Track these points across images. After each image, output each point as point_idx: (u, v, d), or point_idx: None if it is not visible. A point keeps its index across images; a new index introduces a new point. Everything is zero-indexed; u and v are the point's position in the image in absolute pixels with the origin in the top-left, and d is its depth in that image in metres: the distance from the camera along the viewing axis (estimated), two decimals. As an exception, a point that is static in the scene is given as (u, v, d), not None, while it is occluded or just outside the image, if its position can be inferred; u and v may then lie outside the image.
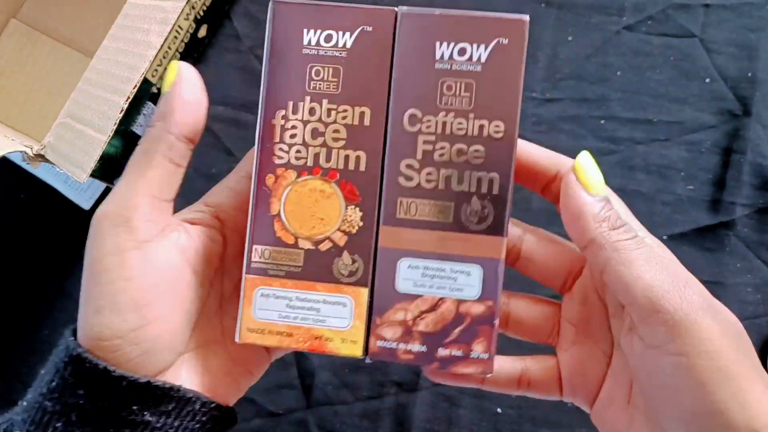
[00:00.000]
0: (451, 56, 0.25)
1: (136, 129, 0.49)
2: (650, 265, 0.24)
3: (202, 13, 0.49)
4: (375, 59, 0.25)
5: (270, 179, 0.26)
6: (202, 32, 0.51)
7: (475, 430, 0.48)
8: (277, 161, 0.26)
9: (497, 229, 0.25)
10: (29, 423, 0.24)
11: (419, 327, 0.25)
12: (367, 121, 0.25)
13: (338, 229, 0.26)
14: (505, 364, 0.29)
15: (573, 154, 0.50)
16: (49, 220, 0.52)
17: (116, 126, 0.40)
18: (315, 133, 0.25)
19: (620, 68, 0.50)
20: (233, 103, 0.52)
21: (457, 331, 0.25)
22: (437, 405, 0.48)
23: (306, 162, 0.26)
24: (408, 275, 0.25)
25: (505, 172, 0.25)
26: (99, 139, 0.40)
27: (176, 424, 0.25)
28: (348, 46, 0.25)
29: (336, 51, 0.25)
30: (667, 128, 0.50)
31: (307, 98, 0.25)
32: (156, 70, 0.47)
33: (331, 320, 0.26)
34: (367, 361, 0.27)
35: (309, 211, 0.26)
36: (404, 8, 0.25)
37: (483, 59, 0.25)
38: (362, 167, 0.25)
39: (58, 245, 0.52)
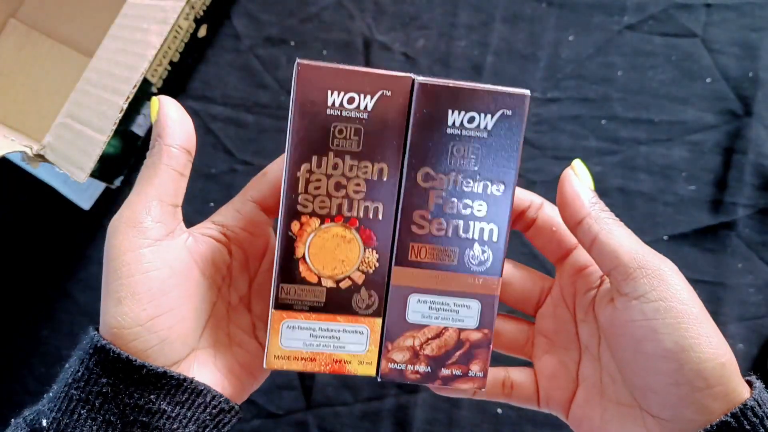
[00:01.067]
0: (462, 123, 0.29)
1: (136, 129, 0.48)
2: (630, 237, 0.30)
3: (201, 13, 0.49)
4: (393, 121, 0.29)
5: (295, 226, 0.29)
6: (202, 32, 0.51)
7: (476, 431, 0.48)
8: (302, 210, 0.29)
9: (494, 270, 0.30)
10: (56, 411, 0.27)
11: (425, 351, 0.30)
12: (385, 176, 0.29)
13: (357, 269, 0.30)
14: (492, 372, 0.33)
15: (574, 154, 0.50)
16: (48, 220, 0.52)
17: (115, 126, 0.40)
18: (338, 186, 0.29)
19: (622, 68, 0.50)
20: (233, 102, 0.52)
21: (457, 354, 0.30)
22: (437, 406, 0.48)
23: (329, 211, 0.29)
24: (417, 308, 0.30)
25: (503, 224, 0.30)
26: (98, 139, 0.40)
27: (189, 414, 0.28)
28: (369, 108, 0.28)
29: (358, 112, 0.28)
30: (668, 128, 0.50)
31: (331, 154, 0.29)
32: (156, 70, 0.47)
33: (350, 346, 0.31)
34: (379, 380, 0.30)
35: (331, 254, 0.30)
36: (420, 78, 0.28)
37: (489, 127, 0.29)
38: (380, 216, 0.30)
39: (57, 245, 0.52)
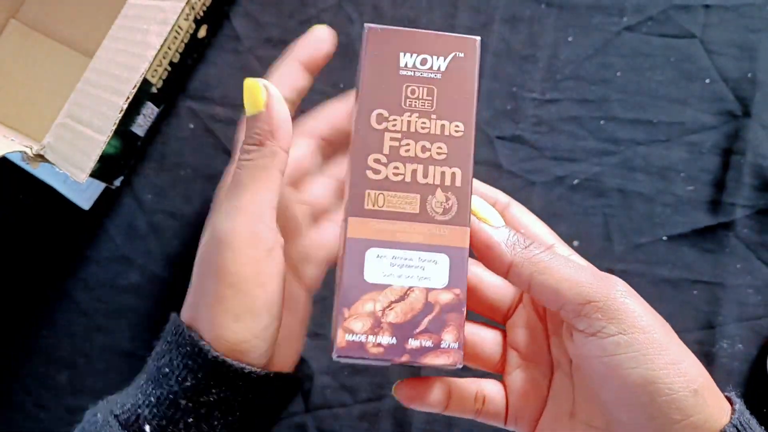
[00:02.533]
0: (414, 65, 0.28)
1: (136, 129, 0.49)
2: (569, 267, 0.27)
3: (201, 14, 0.49)
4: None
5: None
6: (202, 33, 0.51)
7: (475, 431, 0.48)
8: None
9: (461, 219, 0.27)
10: (160, 417, 0.27)
11: (389, 318, 0.26)
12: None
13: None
14: (463, 385, 0.30)
15: (573, 155, 0.50)
16: (48, 221, 0.52)
17: (115, 126, 0.40)
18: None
19: (620, 69, 0.50)
20: (233, 103, 0.52)
21: (426, 320, 0.26)
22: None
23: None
24: (376, 265, 0.26)
25: (465, 167, 0.28)
26: (98, 140, 0.40)
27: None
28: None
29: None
30: (667, 129, 0.50)
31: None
32: (156, 71, 0.47)
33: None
34: (335, 357, 0.26)
35: None
36: (371, 25, 0.29)
37: (442, 68, 0.28)
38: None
39: (57, 245, 0.52)
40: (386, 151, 0.27)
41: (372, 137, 0.27)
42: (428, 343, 0.26)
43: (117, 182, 0.51)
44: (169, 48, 0.47)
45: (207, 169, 0.52)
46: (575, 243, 0.48)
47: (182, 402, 0.27)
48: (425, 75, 0.28)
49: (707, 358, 0.47)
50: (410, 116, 0.28)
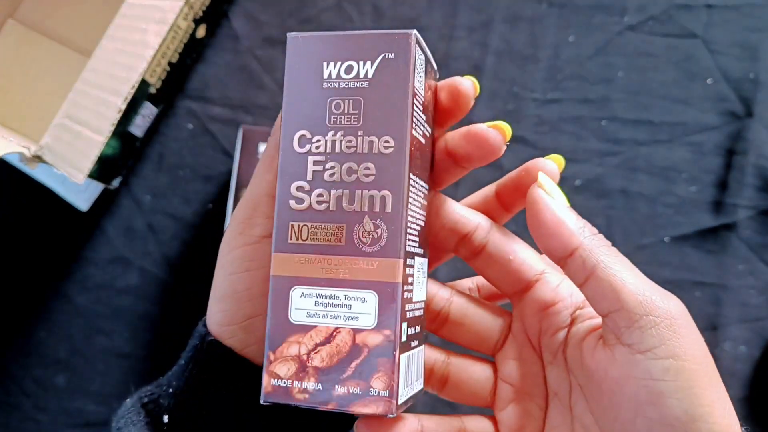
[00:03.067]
0: (338, 75, 0.25)
1: (134, 130, 0.48)
2: (633, 271, 0.25)
3: (200, 13, 0.49)
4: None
5: None
6: (201, 32, 0.50)
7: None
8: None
9: (392, 250, 0.23)
10: (177, 408, 0.27)
11: (314, 362, 0.24)
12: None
13: None
14: (443, 424, 0.28)
15: (575, 155, 0.50)
16: (46, 222, 0.52)
17: (114, 127, 0.39)
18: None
19: (622, 69, 0.50)
20: (231, 103, 0.52)
21: (354, 364, 0.23)
22: (437, 409, 0.48)
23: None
24: (301, 305, 0.24)
25: (397, 188, 0.24)
26: (96, 140, 0.39)
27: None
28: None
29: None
30: (669, 129, 0.49)
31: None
32: (154, 71, 0.47)
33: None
34: (262, 402, 0.24)
35: None
36: (292, 33, 0.25)
37: (370, 75, 0.24)
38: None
39: (55, 246, 0.51)
40: (309, 176, 0.24)
41: (295, 162, 0.24)
42: (356, 390, 0.23)
43: (115, 183, 0.51)
44: (167, 48, 0.47)
45: (206, 169, 0.51)
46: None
47: (194, 392, 0.27)
48: (351, 85, 0.24)
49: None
50: (335, 135, 0.24)
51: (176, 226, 0.51)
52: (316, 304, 0.24)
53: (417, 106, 0.25)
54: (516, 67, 0.51)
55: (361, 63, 0.24)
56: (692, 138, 0.49)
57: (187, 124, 0.52)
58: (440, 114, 0.29)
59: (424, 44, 0.25)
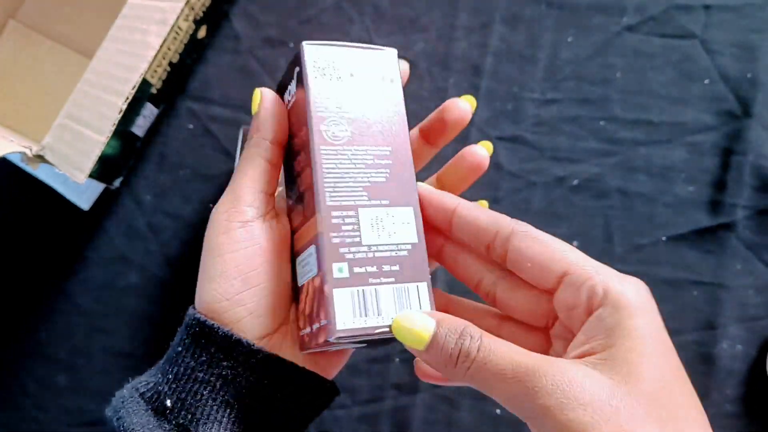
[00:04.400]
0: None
1: (135, 130, 0.48)
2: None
3: (201, 14, 0.49)
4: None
5: None
6: (202, 33, 0.51)
7: (475, 433, 0.48)
8: None
9: (311, 209, 0.29)
10: (179, 392, 0.29)
11: (306, 311, 0.29)
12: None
13: None
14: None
15: (573, 155, 0.50)
16: (47, 221, 0.52)
17: (114, 127, 0.40)
18: None
19: (621, 69, 0.50)
20: (232, 104, 0.52)
21: (316, 306, 0.28)
22: (436, 407, 0.48)
23: None
24: (298, 270, 0.31)
25: (314, 161, 0.29)
26: (97, 140, 0.39)
27: (294, 399, 0.30)
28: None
29: None
30: (667, 129, 0.50)
31: None
32: (155, 71, 0.47)
33: None
34: (301, 353, 0.30)
35: None
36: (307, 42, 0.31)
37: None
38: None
39: (56, 246, 0.52)
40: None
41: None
42: (316, 325, 0.28)
43: (116, 183, 0.51)
44: (168, 48, 0.47)
45: (206, 169, 0.52)
46: (575, 243, 0.48)
47: (199, 375, 0.29)
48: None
49: (707, 359, 0.47)
50: None
51: (177, 226, 0.51)
52: (301, 266, 0.30)
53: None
54: (515, 68, 0.51)
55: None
56: (690, 138, 0.49)
57: (187, 124, 0.52)
58: (437, 132, 0.34)
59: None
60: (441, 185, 0.34)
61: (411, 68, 0.52)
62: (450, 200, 0.30)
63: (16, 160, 0.50)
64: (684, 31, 0.50)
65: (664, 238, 0.49)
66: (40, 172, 0.51)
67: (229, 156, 0.51)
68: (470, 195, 0.32)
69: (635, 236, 0.49)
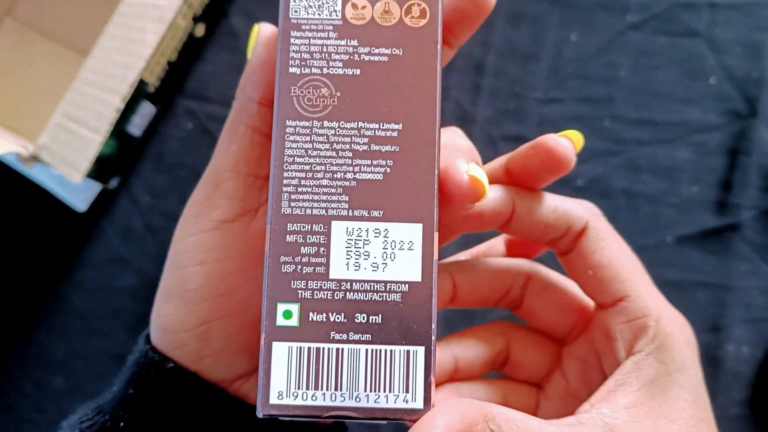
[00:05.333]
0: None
1: (132, 129, 0.48)
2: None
3: (199, 12, 0.49)
4: None
5: None
6: (200, 31, 0.50)
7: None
8: None
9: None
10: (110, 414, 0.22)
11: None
12: None
13: None
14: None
15: (577, 155, 0.49)
16: (43, 222, 0.51)
17: (112, 126, 0.39)
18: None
19: (625, 68, 0.50)
20: (231, 102, 0.51)
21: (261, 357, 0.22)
22: (439, 410, 0.48)
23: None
24: None
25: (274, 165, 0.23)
26: (94, 140, 0.39)
27: None
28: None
29: None
30: (672, 129, 0.49)
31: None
32: (153, 70, 0.46)
33: None
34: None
35: None
36: None
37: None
38: None
39: (52, 247, 0.51)
40: None
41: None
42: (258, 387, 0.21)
43: (113, 183, 0.50)
44: (166, 47, 0.47)
45: (204, 168, 0.51)
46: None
47: (148, 422, 0.22)
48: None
49: (713, 361, 0.47)
50: None
51: (175, 227, 0.51)
52: None
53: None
54: (517, 66, 0.50)
55: None
56: (695, 138, 0.49)
57: (186, 124, 0.52)
58: (531, 176, 0.24)
59: None
60: (510, 178, 0.25)
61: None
62: (507, 198, 0.23)
63: (12, 160, 0.49)
64: (689, 29, 0.50)
65: (668, 239, 0.48)
66: (35, 172, 0.50)
67: (227, 156, 0.51)
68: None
69: (640, 237, 0.48)
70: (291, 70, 0.21)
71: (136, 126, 0.48)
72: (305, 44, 0.21)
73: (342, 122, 0.20)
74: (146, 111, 0.49)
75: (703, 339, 0.49)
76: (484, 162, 0.53)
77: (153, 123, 0.51)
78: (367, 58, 0.20)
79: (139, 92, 0.46)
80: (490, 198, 0.22)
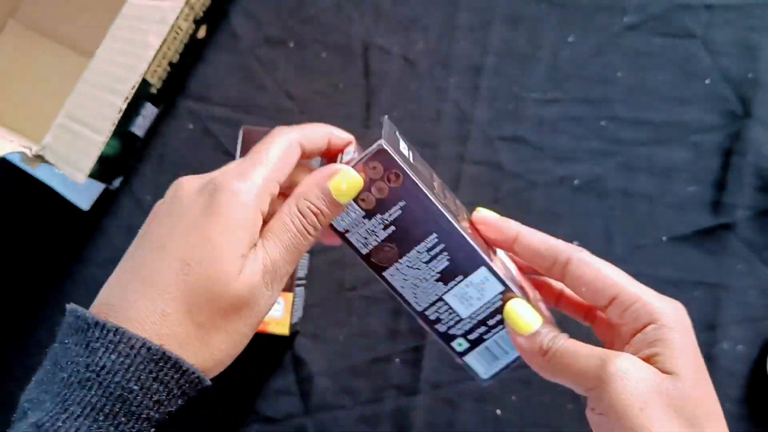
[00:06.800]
0: None
1: (135, 130, 0.48)
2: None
3: (201, 14, 0.49)
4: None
5: None
6: (201, 33, 0.51)
7: (476, 433, 0.48)
8: None
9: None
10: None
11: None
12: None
13: None
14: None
15: (575, 155, 0.50)
16: (47, 221, 0.52)
17: (114, 127, 0.40)
18: None
19: (622, 69, 0.50)
20: (232, 104, 0.52)
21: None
22: (437, 409, 0.48)
23: None
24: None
25: None
26: (97, 140, 0.40)
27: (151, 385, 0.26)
28: None
29: None
30: (668, 129, 0.50)
31: None
32: (155, 71, 0.47)
33: (271, 312, 0.41)
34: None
35: None
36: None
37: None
38: None
39: (56, 246, 0.51)
40: None
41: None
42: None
43: (116, 183, 0.51)
44: (168, 48, 0.47)
45: (206, 169, 0.51)
46: (576, 243, 0.48)
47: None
48: None
49: (708, 360, 0.47)
50: None
51: (177, 226, 0.51)
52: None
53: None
54: (516, 67, 0.51)
55: None
56: (691, 138, 0.49)
57: (187, 124, 0.52)
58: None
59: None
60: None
61: (411, 68, 0.52)
62: (511, 228, 0.33)
63: (16, 159, 0.50)
64: (685, 30, 0.50)
65: (665, 239, 0.49)
66: (39, 171, 0.50)
67: (229, 156, 0.51)
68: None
69: (636, 236, 0.49)
70: (364, 251, 0.31)
71: (139, 126, 0.49)
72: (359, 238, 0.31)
73: (406, 257, 0.31)
74: (148, 112, 0.49)
75: (699, 337, 0.49)
76: (484, 161, 0.54)
77: (155, 123, 0.51)
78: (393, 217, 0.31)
79: (142, 93, 0.46)
80: (503, 220, 0.33)
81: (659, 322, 0.29)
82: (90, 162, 0.39)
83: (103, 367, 0.26)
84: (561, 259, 0.31)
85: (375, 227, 0.30)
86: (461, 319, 0.32)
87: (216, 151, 0.52)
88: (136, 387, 0.25)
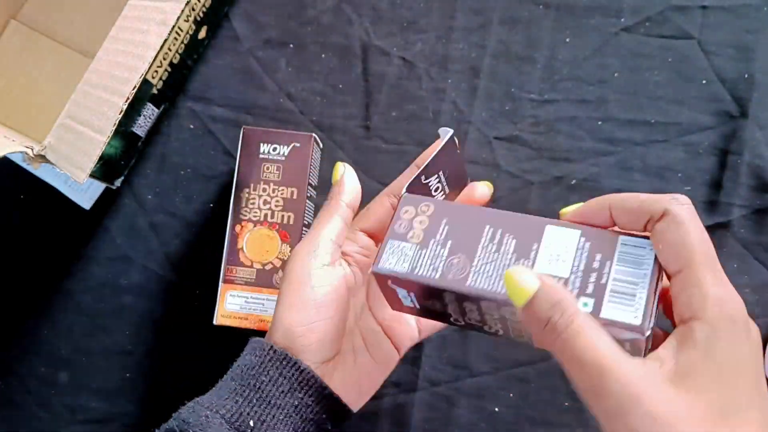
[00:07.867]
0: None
1: (136, 130, 0.49)
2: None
3: (201, 15, 0.49)
4: (300, 161, 0.47)
5: (238, 228, 0.47)
6: (202, 34, 0.51)
7: (474, 430, 0.48)
8: (242, 217, 0.47)
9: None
10: (261, 415, 0.34)
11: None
12: (295, 196, 0.47)
13: (276, 257, 0.47)
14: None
15: (571, 155, 0.50)
16: (49, 220, 0.52)
17: (116, 127, 0.40)
18: (265, 202, 0.47)
19: (618, 69, 0.51)
20: (232, 104, 0.52)
21: None
22: (435, 405, 0.48)
23: (259, 218, 0.47)
24: None
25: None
26: (98, 140, 0.40)
27: (312, 405, 0.35)
28: (285, 154, 0.47)
29: (279, 156, 0.47)
30: (664, 129, 0.50)
31: (261, 182, 0.47)
32: (156, 71, 0.47)
33: (271, 310, 0.44)
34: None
35: (260, 246, 0.47)
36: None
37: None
38: (292, 222, 0.47)
39: (58, 245, 0.52)
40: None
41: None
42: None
43: (117, 182, 0.51)
44: (169, 49, 0.47)
45: (207, 169, 0.52)
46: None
47: (278, 402, 0.34)
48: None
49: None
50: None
51: (178, 225, 0.52)
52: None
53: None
54: (513, 68, 0.51)
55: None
56: (687, 138, 0.50)
57: (188, 125, 0.52)
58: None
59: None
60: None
61: (410, 69, 0.52)
62: (602, 206, 0.31)
63: (18, 159, 0.50)
64: (681, 31, 0.50)
65: (661, 238, 0.49)
66: (41, 171, 0.51)
67: (229, 156, 0.52)
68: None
69: (632, 235, 0.49)
70: (436, 276, 0.33)
71: (140, 126, 0.49)
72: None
73: (473, 267, 0.32)
74: (150, 112, 0.49)
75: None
76: (481, 161, 0.54)
77: (156, 124, 0.52)
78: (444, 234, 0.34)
79: (143, 93, 0.47)
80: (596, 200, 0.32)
81: (714, 325, 0.26)
82: (91, 162, 0.40)
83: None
84: (656, 214, 0.29)
85: (435, 251, 0.33)
86: (567, 278, 0.30)
87: (217, 151, 0.52)
88: None
